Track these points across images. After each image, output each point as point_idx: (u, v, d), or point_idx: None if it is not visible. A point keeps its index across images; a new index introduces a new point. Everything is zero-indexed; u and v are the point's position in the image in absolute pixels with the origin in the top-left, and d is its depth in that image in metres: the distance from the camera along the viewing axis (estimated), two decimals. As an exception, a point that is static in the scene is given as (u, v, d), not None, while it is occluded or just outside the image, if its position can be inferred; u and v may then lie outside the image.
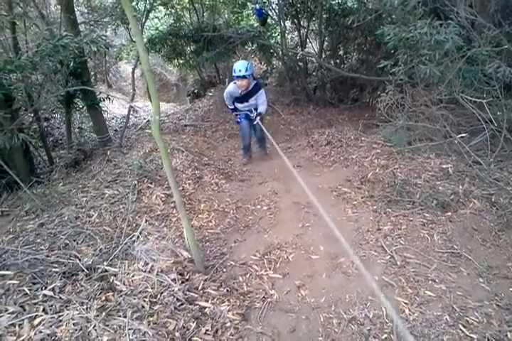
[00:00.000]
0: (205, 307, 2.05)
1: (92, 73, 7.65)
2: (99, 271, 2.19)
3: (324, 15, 6.36)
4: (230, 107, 4.71)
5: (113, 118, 8.50)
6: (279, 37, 7.33)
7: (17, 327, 1.73)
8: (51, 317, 1.79)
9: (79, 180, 3.74)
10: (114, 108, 9.40)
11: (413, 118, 3.77)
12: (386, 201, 3.04)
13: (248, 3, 7.57)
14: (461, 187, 2.93)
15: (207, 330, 1.90)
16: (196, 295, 2.12)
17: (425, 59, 3.36)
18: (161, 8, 7.70)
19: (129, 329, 1.77)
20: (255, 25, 7.61)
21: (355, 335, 1.89)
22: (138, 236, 2.57)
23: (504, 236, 2.48)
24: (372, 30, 5.05)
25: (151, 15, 7.29)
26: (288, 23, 7.23)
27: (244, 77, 4.12)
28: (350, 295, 2.14)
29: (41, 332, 1.71)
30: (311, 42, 7.55)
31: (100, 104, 5.02)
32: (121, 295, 2.01)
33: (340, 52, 7.01)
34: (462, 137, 3.38)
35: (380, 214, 2.91)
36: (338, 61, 7.03)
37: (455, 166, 3.24)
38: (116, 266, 2.25)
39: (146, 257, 2.34)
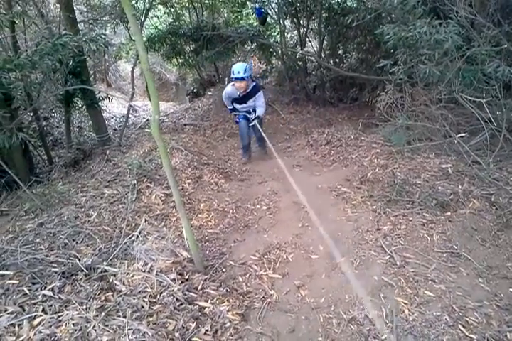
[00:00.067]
0: (204, 308, 2.05)
1: (92, 72, 7.63)
2: (99, 270, 2.18)
3: (324, 15, 6.35)
4: (228, 107, 4.71)
5: (112, 118, 8.49)
6: (278, 36, 7.32)
7: (16, 328, 1.73)
8: (51, 318, 1.79)
9: (78, 179, 3.73)
10: (114, 107, 9.38)
11: (412, 117, 3.77)
12: (385, 201, 3.04)
13: (248, 2, 7.55)
14: (460, 186, 2.93)
15: (206, 330, 1.90)
16: (196, 295, 2.12)
17: (425, 58, 3.35)
18: (160, 7, 7.71)
19: (129, 329, 1.77)
20: (255, 24, 7.61)
21: (354, 335, 1.89)
22: (137, 236, 2.57)
23: (503, 236, 2.48)
24: (372, 30, 5.03)
25: (150, 14, 7.29)
26: (287, 22, 7.21)
27: (242, 78, 4.12)
28: (349, 296, 2.14)
29: (41, 332, 1.70)
30: (310, 41, 7.54)
31: (99, 103, 5.02)
32: (120, 295, 2.01)
33: (340, 52, 7.00)
34: (462, 137, 3.38)
35: (379, 214, 2.90)
36: (337, 60, 7.02)
37: (454, 166, 3.24)
38: (115, 266, 2.24)
39: (146, 257, 2.34)
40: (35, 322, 1.76)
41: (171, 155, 4.26)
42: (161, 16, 8.56)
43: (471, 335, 1.80)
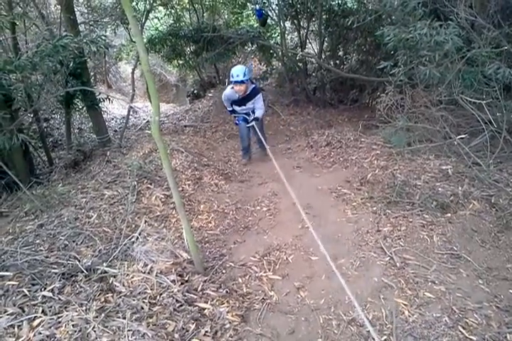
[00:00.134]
0: (204, 309, 2.05)
1: (92, 73, 7.63)
2: (99, 272, 2.18)
3: (324, 16, 6.35)
4: (228, 109, 4.72)
5: (113, 119, 8.49)
6: (278, 37, 7.32)
7: (16, 329, 1.73)
8: (50, 319, 1.79)
9: (78, 180, 3.73)
10: (114, 108, 9.40)
11: (413, 119, 3.78)
12: (386, 202, 3.04)
13: (248, 4, 7.57)
14: (460, 188, 2.93)
15: (206, 332, 1.90)
16: (195, 297, 2.12)
17: (425, 60, 3.36)
18: (160, 8, 7.71)
19: (129, 330, 1.77)
20: (255, 25, 7.60)
21: (354, 337, 1.89)
22: (137, 237, 2.56)
23: (503, 237, 2.48)
24: (372, 31, 5.04)
25: (150, 15, 7.29)
26: (288, 24, 7.22)
27: (242, 82, 4.12)
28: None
29: (40, 333, 1.70)
30: (310, 42, 7.54)
31: (100, 105, 5.02)
32: (120, 297, 2.00)
33: (340, 53, 7.00)
34: (462, 138, 3.37)
35: (379, 216, 2.90)
36: (337, 62, 7.02)
37: (455, 167, 3.24)
38: (115, 267, 2.24)
39: (146, 258, 2.34)
40: (35, 323, 1.76)
41: (171, 156, 4.26)
42: (161, 18, 8.57)
43: (470, 337, 1.80)
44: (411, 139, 3.82)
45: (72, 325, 1.75)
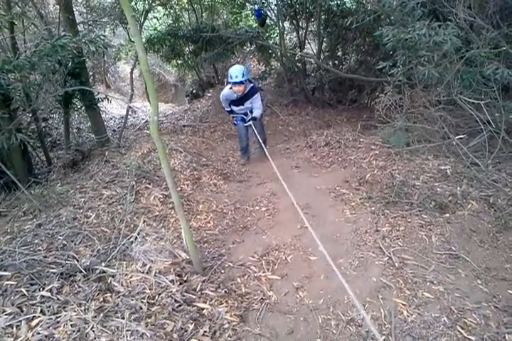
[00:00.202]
0: (203, 309, 2.05)
1: (91, 73, 7.60)
2: (97, 271, 2.18)
3: (323, 16, 6.37)
4: (226, 109, 4.72)
5: (111, 119, 8.49)
6: (277, 38, 7.32)
7: (14, 328, 1.72)
8: (49, 319, 1.78)
9: (77, 180, 3.72)
10: (113, 108, 9.38)
11: (411, 119, 3.78)
12: (384, 202, 3.04)
13: (247, 4, 7.58)
14: (459, 188, 2.94)
15: (205, 332, 1.89)
16: (194, 297, 2.11)
17: (424, 60, 3.36)
18: (159, 8, 7.72)
19: (127, 330, 1.76)
20: (254, 25, 7.61)
21: (353, 337, 1.89)
22: (136, 237, 2.56)
23: (502, 237, 2.48)
24: (371, 31, 5.05)
25: (149, 15, 7.30)
26: (287, 24, 7.23)
27: (241, 82, 4.11)
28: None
29: (39, 333, 1.70)
30: (309, 43, 7.55)
31: (98, 105, 5.01)
32: (119, 296, 2.00)
33: (339, 53, 7.01)
34: (460, 138, 3.38)
35: (378, 216, 2.91)
36: (336, 62, 7.03)
37: (453, 167, 3.24)
38: (114, 267, 2.24)
39: (144, 258, 2.34)
40: (33, 323, 1.76)
41: (170, 156, 4.25)
42: (160, 18, 8.58)
43: (469, 337, 1.80)
44: (410, 139, 3.82)
45: (71, 325, 1.75)
